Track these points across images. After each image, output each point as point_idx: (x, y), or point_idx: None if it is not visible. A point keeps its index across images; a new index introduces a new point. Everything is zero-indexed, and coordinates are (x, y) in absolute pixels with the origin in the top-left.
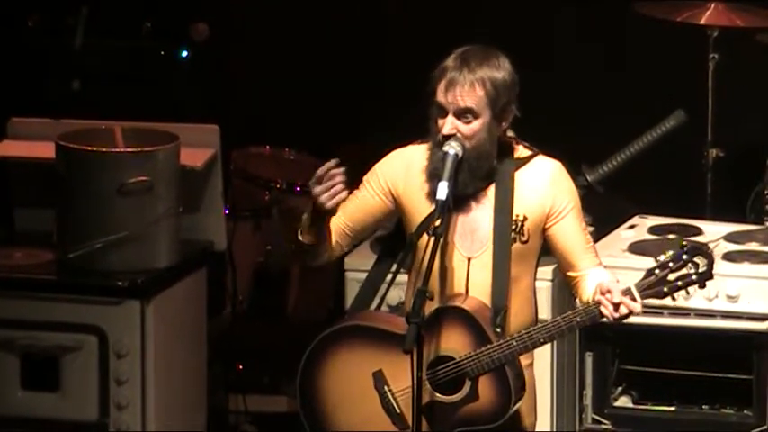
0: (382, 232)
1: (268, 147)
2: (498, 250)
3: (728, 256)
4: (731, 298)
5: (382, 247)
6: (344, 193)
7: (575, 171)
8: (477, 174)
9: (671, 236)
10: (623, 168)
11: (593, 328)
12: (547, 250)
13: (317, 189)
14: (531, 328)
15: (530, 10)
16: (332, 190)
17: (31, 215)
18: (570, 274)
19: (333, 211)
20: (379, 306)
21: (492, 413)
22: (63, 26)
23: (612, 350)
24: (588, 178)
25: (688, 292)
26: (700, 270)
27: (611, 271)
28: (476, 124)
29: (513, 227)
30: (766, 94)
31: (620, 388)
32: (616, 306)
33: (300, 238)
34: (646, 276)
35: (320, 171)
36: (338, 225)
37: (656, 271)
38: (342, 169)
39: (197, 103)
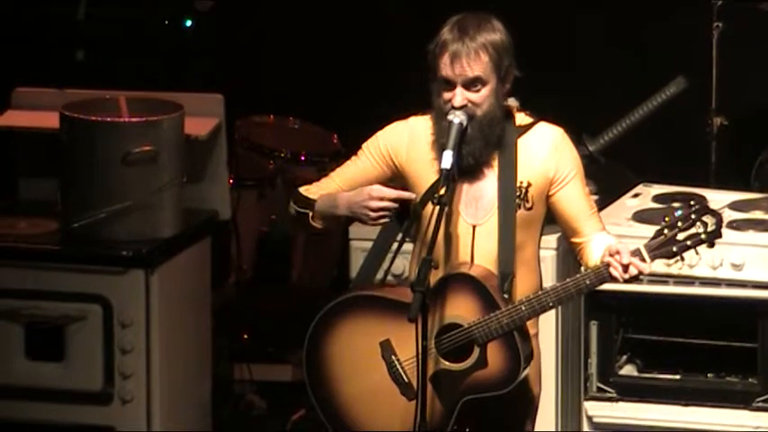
0: None
1: (272, 116)
2: (503, 217)
3: (733, 225)
4: (736, 266)
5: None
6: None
7: (576, 141)
8: (491, 139)
9: (675, 204)
10: (625, 136)
11: (598, 297)
12: (550, 219)
13: (373, 204)
14: (540, 292)
15: None
16: (380, 213)
17: (35, 185)
18: (574, 240)
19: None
20: (384, 276)
21: (501, 380)
22: None
23: (617, 319)
24: (590, 148)
25: (697, 252)
26: (708, 229)
27: (616, 239)
28: (485, 91)
29: (518, 193)
30: None
31: (624, 356)
32: (625, 267)
33: (311, 221)
34: (655, 236)
35: (391, 193)
36: (334, 192)
37: (665, 231)
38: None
39: (201, 72)
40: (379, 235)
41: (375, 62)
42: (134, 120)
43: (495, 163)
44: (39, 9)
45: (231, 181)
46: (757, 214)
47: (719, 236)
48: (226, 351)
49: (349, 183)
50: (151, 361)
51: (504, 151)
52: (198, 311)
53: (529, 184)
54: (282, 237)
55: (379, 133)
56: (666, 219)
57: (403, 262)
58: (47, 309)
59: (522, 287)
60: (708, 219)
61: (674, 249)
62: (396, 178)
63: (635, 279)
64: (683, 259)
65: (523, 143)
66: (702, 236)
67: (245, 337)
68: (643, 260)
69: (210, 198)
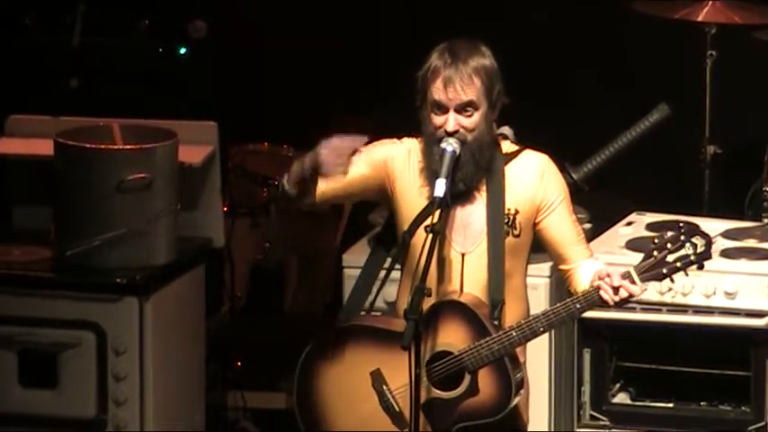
0: (376, 228)
1: (266, 143)
2: (493, 244)
3: (726, 253)
4: (729, 295)
5: (375, 242)
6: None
7: (560, 168)
8: (481, 165)
9: (669, 233)
10: (617, 164)
11: (591, 325)
12: (536, 247)
13: (325, 152)
14: (531, 318)
15: (525, 5)
16: (338, 159)
17: (29, 212)
18: (562, 267)
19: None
20: (373, 302)
21: (493, 406)
22: (61, 24)
23: (610, 347)
24: (573, 176)
25: (687, 274)
26: (698, 250)
27: (605, 265)
28: (476, 116)
29: (506, 221)
30: (764, 90)
31: (617, 384)
32: (616, 290)
33: (286, 184)
34: (644, 259)
35: (339, 141)
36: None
37: (655, 253)
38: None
39: (195, 99)
40: (367, 262)
41: (371, 91)
42: (128, 147)
43: (484, 190)
44: (33, 36)
45: (225, 208)
46: (750, 242)
47: (709, 257)
48: (219, 378)
49: (343, 184)
50: (145, 388)
51: (491, 178)
52: (192, 339)
53: (516, 212)
54: (276, 264)
55: (376, 143)
56: (656, 241)
57: (394, 289)
58: (40, 336)
59: (511, 315)
60: (697, 240)
61: (664, 271)
62: (382, 191)
63: (625, 302)
64: (672, 281)
65: (510, 170)
66: (692, 257)
67: (239, 364)
68: (633, 283)
69: (204, 225)
